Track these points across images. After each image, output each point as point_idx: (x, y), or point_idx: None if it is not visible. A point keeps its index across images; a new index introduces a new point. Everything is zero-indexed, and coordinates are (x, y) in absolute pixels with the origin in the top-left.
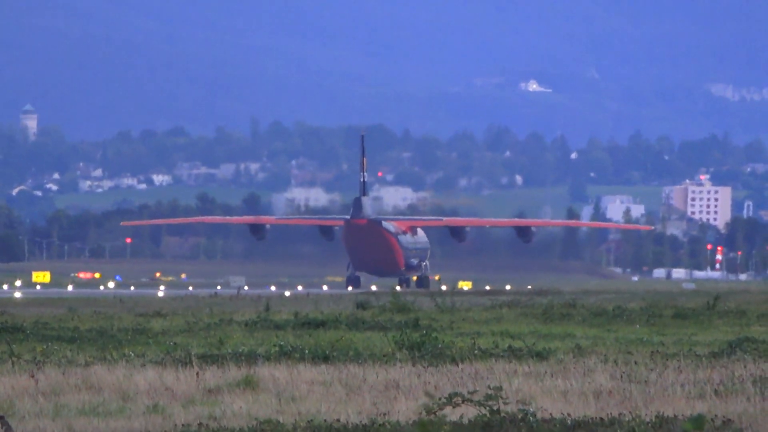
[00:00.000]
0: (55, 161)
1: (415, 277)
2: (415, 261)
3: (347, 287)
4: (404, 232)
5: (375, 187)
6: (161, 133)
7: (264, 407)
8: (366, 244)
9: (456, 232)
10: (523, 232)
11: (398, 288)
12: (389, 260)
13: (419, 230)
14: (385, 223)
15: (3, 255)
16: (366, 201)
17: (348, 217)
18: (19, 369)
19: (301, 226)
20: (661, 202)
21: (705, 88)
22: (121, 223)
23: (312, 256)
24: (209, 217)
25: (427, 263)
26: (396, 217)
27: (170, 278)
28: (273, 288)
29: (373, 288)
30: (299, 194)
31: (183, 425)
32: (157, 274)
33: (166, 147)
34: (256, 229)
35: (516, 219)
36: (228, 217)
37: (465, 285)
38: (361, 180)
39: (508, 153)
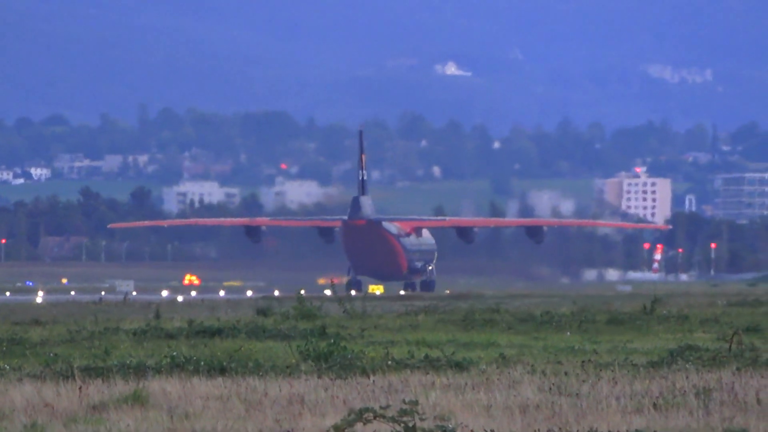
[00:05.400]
0: None
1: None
2: (419, 264)
3: (348, 291)
4: (408, 234)
5: (278, 180)
6: (38, 122)
7: (154, 425)
8: (365, 247)
9: (464, 233)
10: (534, 231)
11: (402, 292)
12: (391, 263)
13: (425, 231)
14: (385, 224)
15: None
16: (365, 200)
17: (345, 217)
18: None
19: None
20: (592, 197)
21: (641, 70)
22: (108, 225)
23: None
24: (202, 219)
25: (433, 267)
26: (398, 216)
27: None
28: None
29: (276, 293)
30: (192, 188)
31: None
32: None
33: (45, 137)
34: (251, 232)
35: (527, 219)
36: (219, 219)
37: (376, 289)
38: (360, 178)
39: (423, 142)
